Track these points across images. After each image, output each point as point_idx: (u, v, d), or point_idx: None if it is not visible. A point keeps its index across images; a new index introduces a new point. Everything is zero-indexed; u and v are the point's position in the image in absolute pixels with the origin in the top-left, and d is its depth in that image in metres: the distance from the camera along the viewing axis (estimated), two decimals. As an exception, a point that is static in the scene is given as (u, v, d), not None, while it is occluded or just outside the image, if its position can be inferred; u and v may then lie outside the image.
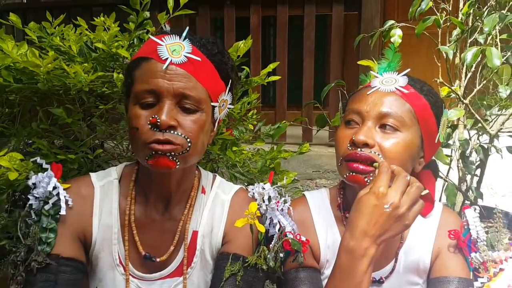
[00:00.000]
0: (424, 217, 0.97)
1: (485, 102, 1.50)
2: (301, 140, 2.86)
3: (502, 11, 1.36)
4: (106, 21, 1.15)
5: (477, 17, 1.47)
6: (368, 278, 0.75)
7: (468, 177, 1.54)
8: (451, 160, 1.57)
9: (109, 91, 1.14)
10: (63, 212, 0.84)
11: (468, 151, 1.47)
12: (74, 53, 1.10)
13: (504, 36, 1.40)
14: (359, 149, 0.85)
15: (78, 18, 1.20)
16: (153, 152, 0.79)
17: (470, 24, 1.50)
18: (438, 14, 1.45)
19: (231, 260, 0.87)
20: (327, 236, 0.97)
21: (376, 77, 0.93)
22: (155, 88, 0.79)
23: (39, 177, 0.85)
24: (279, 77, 1.52)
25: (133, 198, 0.90)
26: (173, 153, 0.79)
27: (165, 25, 1.23)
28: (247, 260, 0.87)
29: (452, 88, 1.37)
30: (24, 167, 0.93)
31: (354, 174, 0.85)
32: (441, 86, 1.39)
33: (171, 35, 0.83)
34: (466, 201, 1.52)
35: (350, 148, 0.87)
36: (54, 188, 0.84)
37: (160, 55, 0.80)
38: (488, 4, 1.44)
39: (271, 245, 0.89)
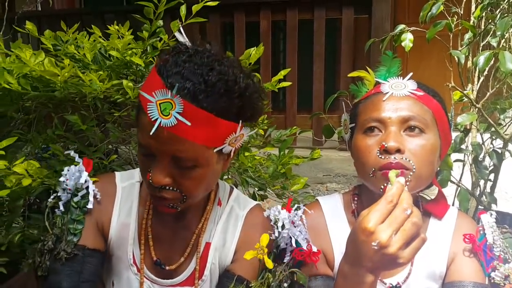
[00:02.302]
0: (440, 219, 0.97)
1: (498, 106, 1.48)
2: (312, 144, 2.85)
3: (515, 14, 1.35)
4: (120, 29, 1.17)
5: (490, 20, 1.46)
6: None
7: (482, 182, 1.52)
8: (464, 165, 1.55)
9: (122, 98, 1.15)
10: (90, 206, 0.87)
11: (481, 156, 1.45)
12: (89, 61, 1.12)
13: (517, 39, 1.39)
14: (392, 157, 0.83)
15: (92, 26, 1.22)
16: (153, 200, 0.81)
17: (482, 27, 1.49)
18: (449, 18, 1.44)
19: (235, 282, 0.87)
20: (341, 241, 0.95)
21: (382, 83, 0.92)
22: (147, 146, 0.75)
23: (71, 170, 0.88)
24: (290, 83, 1.53)
25: (151, 203, 0.92)
26: (171, 204, 0.80)
27: (180, 31, 1.24)
28: (250, 286, 0.87)
29: (465, 92, 1.36)
30: (39, 174, 0.95)
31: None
32: (453, 90, 1.38)
33: (163, 90, 0.71)
34: (480, 206, 1.51)
35: (382, 157, 0.84)
36: (85, 181, 0.87)
37: (150, 115, 0.71)
38: (501, 7, 1.43)
39: (277, 272, 0.88)
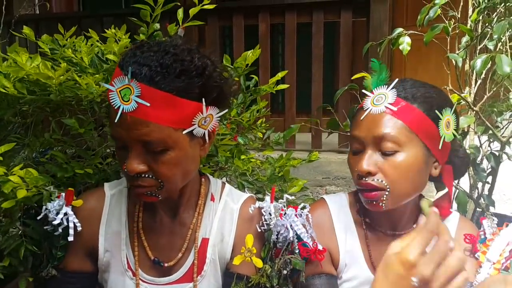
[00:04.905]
0: (443, 220, 0.99)
1: (495, 109, 1.49)
2: (311, 147, 2.85)
3: (512, 17, 1.35)
4: (117, 32, 1.17)
5: (487, 24, 1.46)
6: None
7: (480, 184, 1.52)
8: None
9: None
10: (71, 238, 0.88)
11: (479, 159, 1.46)
12: (86, 65, 1.12)
13: (514, 42, 1.39)
14: (363, 179, 0.88)
15: (89, 30, 1.22)
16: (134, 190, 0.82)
17: (479, 30, 1.50)
18: (447, 21, 1.44)
19: (235, 280, 0.89)
20: (346, 240, 0.98)
21: (368, 96, 0.93)
22: (117, 136, 0.79)
23: (53, 205, 0.90)
24: (288, 85, 1.52)
25: (141, 205, 0.93)
26: (149, 192, 0.81)
27: (178, 32, 1.24)
28: (250, 280, 0.88)
29: (462, 95, 1.36)
30: (35, 183, 0.94)
31: (369, 202, 0.89)
32: (451, 93, 1.38)
33: (121, 76, 0.76)
34: (478, 209, 1.51)
35: (358, 178, 0.89)
36: (65, 214, 0.89)
37: (113, 103, 0.76)
38: (498, 10, 1.44)
39: (276, 260, 0.90)
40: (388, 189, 0.87)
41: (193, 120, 0.79)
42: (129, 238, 0.92)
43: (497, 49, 1.42)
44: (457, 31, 1.48)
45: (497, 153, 1.43)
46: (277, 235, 0.91)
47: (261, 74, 2.86)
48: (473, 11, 1.48)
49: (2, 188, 0.85)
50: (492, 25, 1.39)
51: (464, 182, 1.57)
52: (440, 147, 0.89)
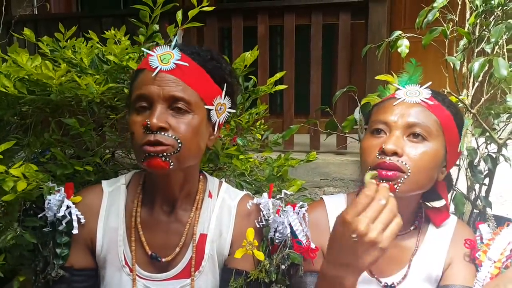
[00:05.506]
0: (437, 227, 1.00)
1: (492, 111, 1.50)
2: (309, 148, 2.86)
3: (509, 21, 1.37)
4: (117, 34, 1.17)
5: (484, 27, 1.47)
6: None
7: (477, 186, 1.53)
8: (459, 169, 1.56)
9: (119, 103, 1.16)
10: (75, 231, 0.89)
11: (476, 160, 1.47)
12: (86, 66, 1.12)
13: (511, 46, 1.41)
14: (388, 158, 0.87)
15: (89, 31, 1.22)
16: (147, 154, 0.82)
17: (477, 34, 1.51)
18: (445, 25, 1.46)
19: (234, 275, 0.89)
20: None
21: (399, 89, 0.96)
22: (146, 93, 0.84)
23: (53, 200, 0.90)
24: (286, 86, 1.53)
25: (140, 201, 0.94)
26: (164, 154, 0.82)
27: (177, 33, 1.24)
28: (249, 275, 0.89)
29: (460, 97, 1.37)
30: (34, 177, 0.95)
31: (383, 181, 0.87)
32: (449, 95, 1.39)
33: (163, 46, 0.88)
34: (475, 210, 1.52)
35: (379, 157, 0.88)
36: (67, 207, 0.90)
37: (151, 64, 0.85)
38: (495, 14, 1.45)
39: (274, 256, 0.91)
40: (409, 173, 0.87)
41: (213, 100, 0.88)
42: (127, 234, 0.93)
43: (495, 52, 1.43)
44: (455, 34, 1.50)
45: (494, 155, 1.44)
46: (274, 231, 0.92)
47: (259, 76, 2.86)
48: (471, 15, 1.49)
49: (2, 186, 0.85)
50: (490, 28, 1.41)
51: (462, 184, 1.58)
52: (458, 150, 0.93)
